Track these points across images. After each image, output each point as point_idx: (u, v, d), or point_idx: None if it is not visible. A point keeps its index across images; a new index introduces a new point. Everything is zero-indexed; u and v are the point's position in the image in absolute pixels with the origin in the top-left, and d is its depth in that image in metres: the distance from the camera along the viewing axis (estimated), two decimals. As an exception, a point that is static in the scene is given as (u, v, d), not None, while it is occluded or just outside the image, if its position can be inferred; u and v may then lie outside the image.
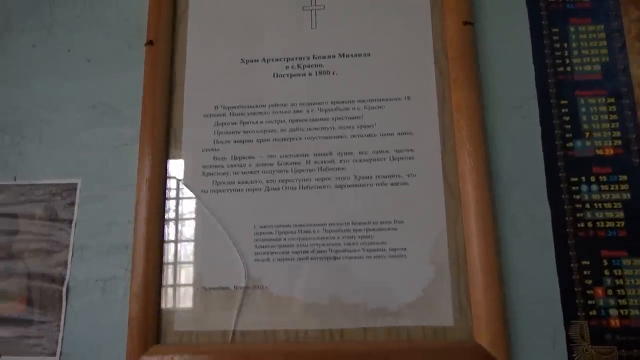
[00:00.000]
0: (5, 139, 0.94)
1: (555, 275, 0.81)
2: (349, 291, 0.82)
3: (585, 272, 0.80)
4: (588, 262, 0.81)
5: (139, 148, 0.88)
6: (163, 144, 0.89)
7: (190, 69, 0.93)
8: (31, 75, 0.97)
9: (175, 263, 0.85)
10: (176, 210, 0.87)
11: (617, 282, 0.80)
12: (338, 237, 0.84)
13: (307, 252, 0.84)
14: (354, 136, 0.88)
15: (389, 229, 0.84)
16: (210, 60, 0.94)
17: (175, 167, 0.89)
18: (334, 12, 0.94)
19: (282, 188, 0.87)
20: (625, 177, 0.83)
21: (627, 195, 0.82)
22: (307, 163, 0.88)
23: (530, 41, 0.90)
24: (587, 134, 0.85)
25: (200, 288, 0.84)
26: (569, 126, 0.86)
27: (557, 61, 0.89)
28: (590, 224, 0.82)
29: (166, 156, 0.89)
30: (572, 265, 0.81)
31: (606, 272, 0.80)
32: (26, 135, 0.94)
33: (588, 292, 0.80)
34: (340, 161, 0.87)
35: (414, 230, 0.84)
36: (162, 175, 0.87)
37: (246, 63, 0.93)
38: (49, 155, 0.93)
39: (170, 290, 0.84)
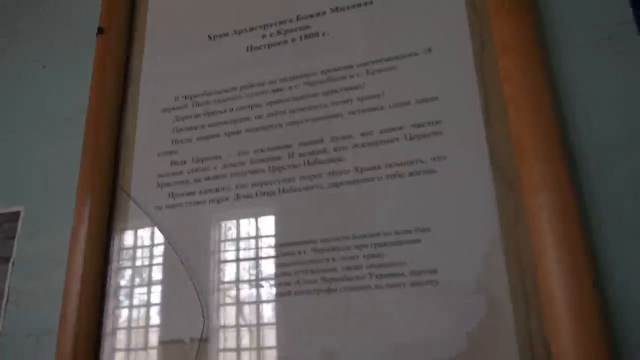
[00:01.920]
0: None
1: None
2: (352, 344, 0.53)
3: None
4: None
5: (80, 161, 0.68)
6: (110, 152, 0.68)
7: (148, 58, 0.74)
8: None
9: (119, 307, 0.62)
10: (123, 237, 0.65)
11: None
12: (334, 259, 0.56)
13: (290, 283, 0.57)
14: (352, 113, 0.61)
15: (408, 241, 0.55)
16: (172, 44, 0.73)
17: (125, 181, 0.68)
18: (325, -42, 0.70)
19: (257, 194, 0.62)
20: None
21: None
22: (289, 157, 0.62)
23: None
24: None
25: (148, 342, 0.60)
26: (699, 55, 0.52)
27: (664, -38, 0.56)
28: None
29: (114, 168, 0.68)
30: None
31: None
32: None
33: None
34: (335, 149, 0.60)
35: (447, 241, 0.53)
36: (105, 194, 0.66)
37: (214, 39, 0.71)
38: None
39: (108, 346, 0.61)
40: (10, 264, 0.70)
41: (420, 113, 0.59)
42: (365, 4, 0.66)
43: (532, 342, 0.48)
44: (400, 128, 0.59)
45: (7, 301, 0.69)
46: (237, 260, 0.60)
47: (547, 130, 0.51)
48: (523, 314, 0.49)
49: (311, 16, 0.68)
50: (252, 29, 0.70)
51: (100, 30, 0.74)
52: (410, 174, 0.57)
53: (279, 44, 0.68)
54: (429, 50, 0.61)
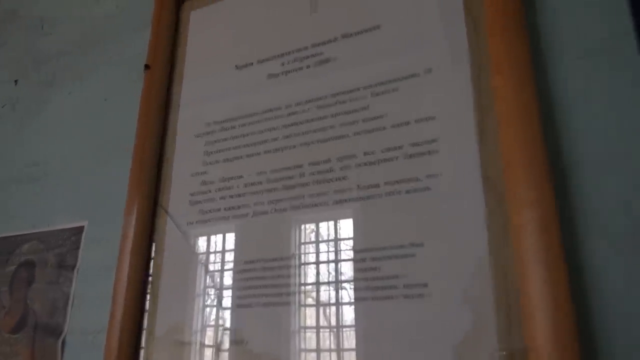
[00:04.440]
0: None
1: (696, 325, 0.44)
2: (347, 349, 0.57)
3: None
4: None
5: (128, 183, 0.78)
6: (153, 174, 0.78)
7: (186, 89, 0.82)
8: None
9: (155, 313, 0.71)
10: (161, 250, 0.74)
11: None
12: (337, 272, 0.60)
13: (289, 294, 0.62)
14: (357, 134, 0.65)
15: (403, 256, 0.57)
16: (205, 75, 0.81)
17: (164, 199, 0.77)
18: (339, -13, 0.74)
19: (271, 211, 0.67)
20: None
21: None
22: (300, 176, 0.67)
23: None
24: None
25: (176, 341, 0.67)
26: (700, 64, 0.50)
27: (667, -31, 0.54)
28: None
29: (156, 188, 0.77)
30: None
31: None
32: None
33: None
34: (341, 169, 0.65)
35: (438, 256, 0.56)
36: (147, 211, 0.75)
37: (240, 69, 0.78)
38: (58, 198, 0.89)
39: (148, 345, 0.69)
40: (75, 272, 0.82)
41: (418, 132, 0.61)
42: (373, 28, 0.69)
43: (513, 349, 0.49)
44: (400, 147, 0.62)
45: (72, 304, 0.80)
46: (250, 271, 0.66)
47: (534, 148, 0.52)
48: (505, 329, 0.50)
49: (324, 43, 0.72)
50: (272, 58, 0.76)
51: (147, 67, 0.84)
52: (407, 192, 0.60)
53: (295, 70, 0.73)
54: (430, 70, 0.63)
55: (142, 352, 0.69)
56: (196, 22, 0.86)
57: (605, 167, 0.51)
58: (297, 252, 0.64)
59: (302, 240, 0.64)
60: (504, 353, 0.49)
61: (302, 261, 0.63)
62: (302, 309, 0.62)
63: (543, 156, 0.52)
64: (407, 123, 0.62)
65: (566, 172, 0.53)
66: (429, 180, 0.59)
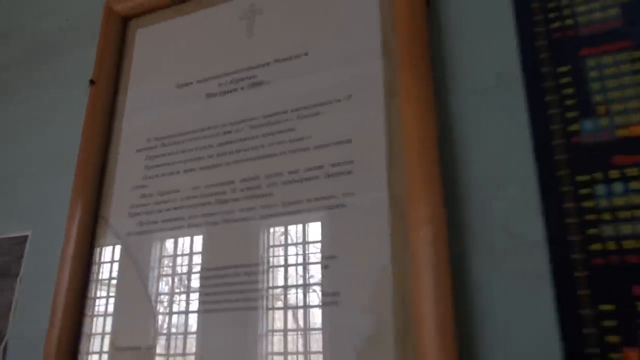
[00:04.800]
0: None
1: (555, 330, 0.51)
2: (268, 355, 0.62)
3: (606, 324, 0.50)
4: (612, 307, 0.50)
5: (71, 194, 0.81)
6: (95, 186, 0.81)
7: (129, 105, 0.86)
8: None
9: (94, 315, 0.75)
10: (100, 258, 0.78)
11: (666, 339, 0.47)
12: (258, 282, 0.66)
13: (219, 301, 0.67)
14: (284, 153, 0.71)
15: (321, 266, 0.63)
16: (148, 92, 0.86)
17: (106, 210, 0.80)
18: (273, 14, 0.80)
19: (204, 224, 0.72)
20: (670, 167, 0.52)
21: (675, 195, 0.51)
22: (232, 192, 0.72)
23: (509, -4, 0.65)
24: (602, 108, 0.56)
25: (113, 347, 0.72)
26: (573, 102, 0.58)
27: (551, 14, 0.62)
28: (612, 245, 0.52)
29: (97, 200, 0.81)
30: (582, 312, 0.51)
31: (644, 323, 0.49)
32: None
33: (613, 356, 0.49)
34: (268, 185, 0.70)
35: (349, 267, 0.62)
36: (89, 221, 0.79)
37: (181, 88, 0.83)
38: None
39: (85, 348, 0.73)
40: (18, 280, 0.85)
41: (337, 154, 0.67)
42: (302, 55, 0.75)
43: (406, 355, 0.55)
44: (321, 167, 0.68)
45: (14, 311, 0.83)
46: (183, 281, 0.71)
47: (432, 172, 0.59)
48: (402, 334, 0.56)
49: (258, 67, 0.78)
50: (211, 78, 0.81)
51: (91, 82, 0.87)
52: (325, 208, 0.66)
53: (231, 91, 0.79)
54: (349, 97, 0.69)
55: (78, 357, 0.73)
56: (141, 40, 0.91)
57: (490, 191, 0.58)
58: (231, 263, 0.69)
59: (231, 251, 0.69)
60: (401, 352, 0.55)
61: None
62: (228, 312, 0.67)
63: (439, 179, 0.58)
64: (328, 145, 0.68)
65: (459, 194, 0.59)
66: (345, 197, 0.65)
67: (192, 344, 0.67)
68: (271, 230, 0.69)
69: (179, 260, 0.73)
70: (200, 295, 0.69)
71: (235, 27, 0.82)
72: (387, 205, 0.62)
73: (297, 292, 0.64)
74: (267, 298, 0.65)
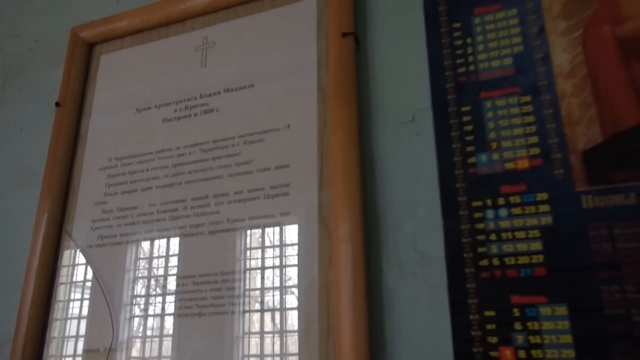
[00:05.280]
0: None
1: (449, 332, 0.61)
2: (216, 355, 0.71)
3: (488, 327, 0.60)
4: (493, 313, 0.60)
5: (37, 208, 0.89)
6: (60, 201, 0.89)
7: (92, 126, 0.94)
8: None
9: (55, 320, 0.82)
10: (64, 269, 0.85)
11: (533, 339, 0.58)
12: (205, 291, 0.75)
13: (177, 307, 0.76)
14: (230, 175, 0.80)
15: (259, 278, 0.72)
16: (110, 115, 0.93)
17: (69, 224, 0.88)
18: (225, 47, 0.89)
19: (159, 238, 0.81)
20: (545, 196, 0.62)
21: (547, 220, 0.61)
22: (184, 209, 0.81)
23: (425, 43, 0.75)
24: (494, 144, 0.67)
25: (75, 350, 0.79)
26: (471, 137, 0.68)
27: (458, 61, 0.72)
28: (496, 261, 0.62)
29: (62, 214, 0.89)
30: (471, 317, 0.61)
31: (517, 326, 0.59)
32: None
33: (492, 354, 0.59)
34: (216, 204, 0.79)
35: (287, 277, 0.71)
36: (53, 234, 0.87)
37: (140, 112, 0.91)
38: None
39: (46, 352, 0.81)
40: (-14, 287, 0.91)
41: (276, 177, 0.76)
42: (249, 86, 0.84)
43: (328, 352, 0.65)
44: (262, 189, 0.77)
45: (-19, 316, 0.90)
46: (138, 288, 0.79)
47: (354, 195, 0.68)
48: (324, 336, 0.66)
49: (210, 95, 0.86)
50: (167, 104, 0.89)
51: (57, 104, 0.95)
52: (265, 226, 0.75)
53: (185, 117, 0.87)
54: (288, 126, 0.79)
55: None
56: (105, 65, 0.98)
57: (402, 213, 0.68)
58: (185, 274, 0.77)
59: (185, 261, 0.78)
60: (323, 349, 0.65)
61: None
62: (180, 317, 0.75)
63: (360, 202, 0.68)
64: (269, 169, 0.77)
65: (376, 215, 0.69)
66: (281, 217, 0.74)
67: (167, 347, 0.75)
68: (218, 243, 0.77)
69: (135, 269, 0.81)
70: (170, 300, 0.77)
71: (190, 57, 0.90)
72: (316, 224, 0.71)
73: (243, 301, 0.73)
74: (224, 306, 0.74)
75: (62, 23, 1.07)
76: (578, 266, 0.58)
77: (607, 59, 0.65)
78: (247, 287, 0.73)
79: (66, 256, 0.86)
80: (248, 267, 0.74)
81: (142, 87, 0.93)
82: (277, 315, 0.70)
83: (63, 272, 0.85)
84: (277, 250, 0.73)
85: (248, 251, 0.75)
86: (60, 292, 0.85)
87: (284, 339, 0.69)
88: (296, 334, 0.68)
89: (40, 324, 0.82)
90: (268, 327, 0.70)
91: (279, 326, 0.70)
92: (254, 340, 0.70)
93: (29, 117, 1.04)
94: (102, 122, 0.94)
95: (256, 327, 0.70)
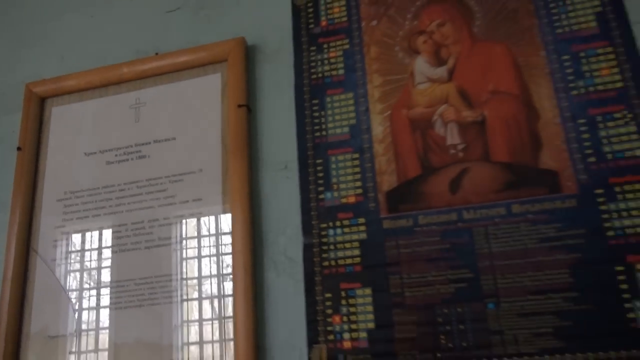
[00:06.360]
0: None
1: (304, 307, 0.97)
2: (153, 333, 1.03)
3: (327, 303, 0.96)
4: (330, 295, 0.97)
5: (7, 231, 1.16)
6: (26, 225, 1.16)
7: (49, 167, 1.21)
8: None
9: (31, 314, 1.11)
10: (33, 278, 1.14)
11: (351, 309, 0.95)
12: (143, 289, 1.06)
13: (121, 302, 1.07)
14: (160, 206, 1.11)
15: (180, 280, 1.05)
16: (63, 156, 1.21)
17: (35, 243, 1.16)
18: (153, 107, 1.19)
19: (106, 253, 1.11)
20: (363, 220, 0.99)
21: (363, 236, 0.98)
22: (125, 231, 1.11)
23: (295, 114, 1.09)
24: (335, 186, 1.03)
25: (46, 337, 1.09)
26: (322, 181, 1.04)
27: (316, 127, 1.07)
28: (333, 262, 0.98)
29: (28, 235, 1.16)
30: (317, 298, 0.97)
31: (343, 302, 0.96)
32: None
33: (328, 319, 0.96)
34: (149, 227, 1.10)
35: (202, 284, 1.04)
36: (23, 251, 1.14)
37: (88, 156, 1.20)
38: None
39: (24, 339, 1.10)
40: (-33, 294, 1.18)
41: (193, 208, 1.09)
42: (172, 138, 1.15)
43: (227, 332, 0.99)
44: (182, 216, 1.09)
45: (-34, 316, 1.16)
46: (92, 289, 1.10)
47: (245, 222, 1.02)
48: (224, 315, 1.00)
49: (142, 144, 1.17)
50: (110, 150, 1.19)
51: (19, 149, 1.21)
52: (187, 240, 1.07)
53: (124, 161, 1.17)
54: (201, 170, 1.11)
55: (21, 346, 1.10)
56: (56, 116, 1.25)
57: (278, 232, 1.03)
58: (128, 277, 1.09)
59: (125, 269, 1.09)
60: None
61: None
62: (127, 309, 1.06)
63: (247, 225, 1.02)
64: (187, 201, 1.10)
65: (261, 235, 1.04)
66: (196, 238, 1.07)
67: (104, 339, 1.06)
68: (152, 256, 1.09)
69: (89, 275, 1.11)
70: (107, 293, 1.08)
71: (126, 113, 1.20)
72: (220, 242, 1.05)
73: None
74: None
75: (15, 77, 1.33)
76: (378, 264, 0.96)
77: (402, 132, 1.02)
78: (184, 284, 1.05)
79: (34, 269, 1.14)
80: (177, 272, 1.06)
81: (88, 136, 1.21)
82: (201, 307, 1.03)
83: (33, 279, 1.13)
84: (197, 261, 1.06)
85: (179, 260, 1.07)
86: (30, 296, 1.13)
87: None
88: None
89: (17, 317, 1.10)
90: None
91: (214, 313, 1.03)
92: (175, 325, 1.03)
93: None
94: (57, 163, 1.21)
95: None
